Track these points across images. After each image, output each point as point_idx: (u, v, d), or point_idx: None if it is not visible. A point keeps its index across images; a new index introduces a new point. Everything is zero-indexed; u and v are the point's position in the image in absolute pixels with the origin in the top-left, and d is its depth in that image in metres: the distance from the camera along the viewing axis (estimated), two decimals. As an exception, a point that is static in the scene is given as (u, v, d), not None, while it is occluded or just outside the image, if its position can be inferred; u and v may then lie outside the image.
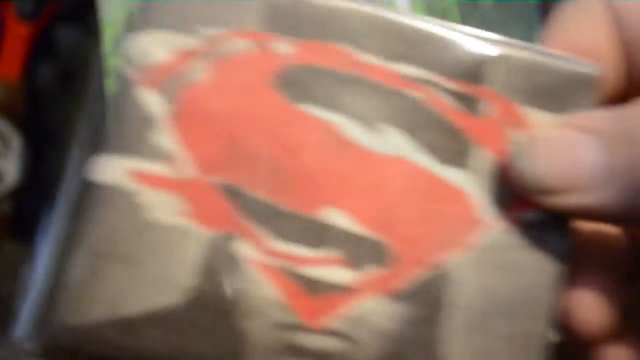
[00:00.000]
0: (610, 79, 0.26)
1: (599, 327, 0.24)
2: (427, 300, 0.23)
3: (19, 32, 0.66)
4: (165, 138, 0.23)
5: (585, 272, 0.25)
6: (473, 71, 0.24)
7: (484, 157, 0.24)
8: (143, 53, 0.23)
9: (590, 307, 0.24)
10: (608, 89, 0.26)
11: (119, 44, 0.24)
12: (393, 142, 0.24)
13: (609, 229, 0.26)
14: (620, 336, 0.25)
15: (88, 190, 0.22)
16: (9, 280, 0.58)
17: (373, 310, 0.23)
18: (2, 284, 0.57)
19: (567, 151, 0.23)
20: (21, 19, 0.67)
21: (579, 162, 0.22)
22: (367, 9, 0.24)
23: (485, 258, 0.24)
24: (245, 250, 0.23)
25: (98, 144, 0.22)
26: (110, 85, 0.23)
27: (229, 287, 0.23)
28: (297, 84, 0.23)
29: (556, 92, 0.25)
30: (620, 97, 0.26)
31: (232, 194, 0.23)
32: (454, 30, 0.24)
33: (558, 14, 0.26)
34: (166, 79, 0.23)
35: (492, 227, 0.24)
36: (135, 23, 0.23)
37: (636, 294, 0.26)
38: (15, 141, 0.66)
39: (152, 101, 0.23)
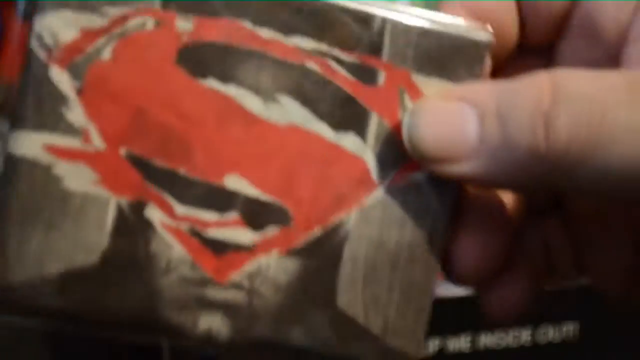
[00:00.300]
0: (507, 38, 0.28)
1: (479, 274, 0.27)
2: (321, 255, 0.26)
3: (19, 33, 0.67)
4: (76, 114, 0.24)
5: (467, 222, 0.27)
6: (369, 42, 0.25)
7: (379, 125, 0.26)
8: (52, 33, 0.24)
9: (470, 252, 0.27)
10: (504, 48, 0.28)
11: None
12: (289, 112, 0.25)
13: None
14: (505, 279, 0.28)
15: (9, 163, 0.24)
16: None
17: (271, 265, 0.25)
18: None
19: (448, 122, 0.25)
20: (23, 19, 0.67)
21: (457, 133, 0.24)
22: None
23: (374, 215, 0.26)
24: (154, 214, 0.25)
25: (17, 121, 0.24)
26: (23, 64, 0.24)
27: (142, 248, 0.25)
28: (197, 59, 0.24)
29: (447, 60, 0.26)
30: (513, 53, 0.29)
31: (139, 164, 0.24)
32: (350, 1, 0.25)
33: None
34: (75, 58, 0.24)
35: (382, 187, 0.26)
36: (44, 4, 0.24)
37: (523, 239, 0.29)
38: None
39: (62, 79, 0.24)
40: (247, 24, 0.25)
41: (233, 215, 0.25)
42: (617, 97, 0.23)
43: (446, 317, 0.46)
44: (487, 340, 0.49)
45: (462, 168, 0.24)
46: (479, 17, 0.27)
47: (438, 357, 0.47)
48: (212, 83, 0.25)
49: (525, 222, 0.29)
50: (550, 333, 0.50)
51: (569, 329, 0.50)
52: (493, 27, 0.27)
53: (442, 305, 0.45)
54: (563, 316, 0.50)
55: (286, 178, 0.25)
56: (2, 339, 0.47)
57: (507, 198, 0.28)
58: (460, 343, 0.48)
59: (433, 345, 0.47)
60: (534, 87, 0.23)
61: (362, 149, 0.26)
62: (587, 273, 0.30)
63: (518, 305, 0.28)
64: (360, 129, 0.26)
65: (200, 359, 0.44)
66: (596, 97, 0.23)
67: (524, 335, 0.49)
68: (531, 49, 0.29)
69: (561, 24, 0.28)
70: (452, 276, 0.27)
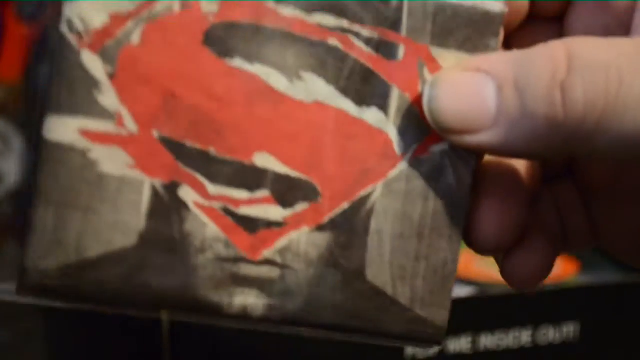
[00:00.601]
0: (518, 8, 0.28)
1: (500, 242, 0.28)
2: (349, 229, 0.26)
3: (19, 33, 0.67)
4: (109, 98, 0.25)
5: (487, 192, 0.28)
6: (388, 18, 0.26)
7: (401, 98, 0.26)
8: (83, 19, 0.24)
9: (491, 222, 0.27)
10: (516, 17, 0.29)
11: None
12: (314, 89, 0.26)
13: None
14: (525, 246, 0.29)
15: (45, 149, 0.24)
16: (10, 280, 0.58)
17: (302, 241, 0.26)
18: (2, 284, 0.57)
19: (467, 93, 0.25)
20: (21, 20, 0.67)
21: (476, 104, 0.25)
22: None
23: (398, 187, 0.27)
24: (188, 195, 0.25)
25: (51, 106, 0.24)
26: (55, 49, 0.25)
27: (177, 228, 0.25)
28: (223, 40, 0.25)
29: (463, 32, 0.27)
30: (526, 20, 0.29)
31: (171, 145, 0.25)
32: None
33: None
34: (105, 43, 0.24)
35: (405, 160, 0.27)
36: None
37: (539, 207, 0.30)
38: (16, 142, 0.67)
39: (94, 64, 0.24)
40: (270, 3, 0.25)
41: (263, 193, 0.26)
42: (633, 64, 0.23)
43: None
44: (487, 341, 0.49)
45: (481, 138, 0.25)
46: None
47: (439, 358, 0.47)
48: (238, 63, 0.25)
49: (539, 189, 0.30)
50: (550, 334, 0.50)
51: (570, 329, 0.51)
52: None
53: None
54: (563, 317, 0.50)
55: (313, 154, 0.26)
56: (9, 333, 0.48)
57: (521, 165, 0.29)
58: (460, 344, 0.48)
59: (432, 346, 0.47)
60: (550, 56, 0.24)
61: (385, 123, 0.26)
62: (600, 238, 0.31)
63: (538, 272, 0.29)
64: (382, 103, 0.26)
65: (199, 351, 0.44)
66: (611, 65, 0.23)
67: (525, 336, 0.50)
68: (542, 17, 0.29)
69: None
70: (473, 245, 0.28)
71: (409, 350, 0.47)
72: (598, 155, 0.24)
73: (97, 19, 0.24)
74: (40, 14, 0.67)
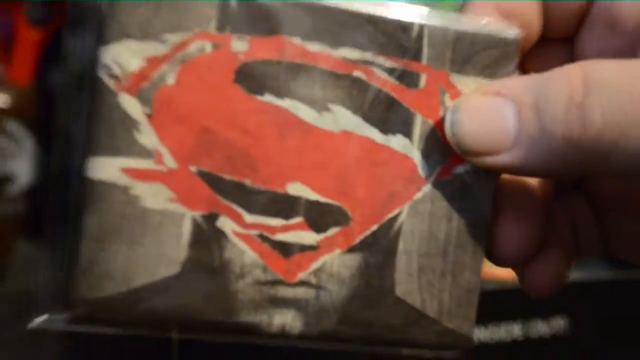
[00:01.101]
0: (531, 32, 0.29)
1: (520, 255, 0.29)
2: (379, 249, 0.27)
3: (30, 37, 0.67)
4: (148, 137, 0.25)
5: (505, 210, 0.29)
6: (408, 47, 0.27)
7: (424, 124, 0.27)
8: (119, 63, 0.25)
9: (510, 238, 0.28)
10: (529, 40, 0.29)
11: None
12: (341, 119, 0.27)
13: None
14: (542, 258, 0.30)
15: (89, 188, 0.25)
16: (23, 277, 0.58)
17: (334, 262, 0.27)
18: (17, 280, 0.58)
19: (487, 117, 0.26)
20: (32, 24, 0.67)
21: (497, 126, 0.26)
22: (308, 0, 0.26)
23: (424, 209, 0.27)
24: (226, 224, 0.26)
25: (92, 148, 0.25)
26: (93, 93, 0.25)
27: (217, 256, 0.26)
28: (253, 77, 0.26)
29: (481, 59, 0.27)
30: (538, 43, 0.30)
31: (209, 179, 0.26)
32: (388, 10, 0.27)
33: None
34: (142, 85, 0.25)
35: (429, 182, 0.28)
36: (109, 35, 0.25)
37: (553, 221, 0.31)
38: (28, 143, 0.67)
39: (132, 106, 0.25)
40: (297, 40, 0.26)
41: (297, 220, 0.27)
42: None
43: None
44: (480, 334, 0.49)
45: (503, 159, 0.26)
46: (506, 13, 0.28)
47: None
48: (269, 98, 0.26)
49: (553, 203, 0.31)
50: (540, 328, 0.51)
51: (559, 323, 0.51)
52: (519, 22, 0.28)
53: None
54: (553, 311, 0.51)
55: (343, 181, 0.27)
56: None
57: (534, 182, 0.30)
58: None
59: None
60: (566, 79, 0.24)
61: (410, 149, 0.27)
62: (611, 246, 0.31)
63: (555, 281, 0.30)
64: (406, 130, 0.27)
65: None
66: (625, 86, 0.24)
67: (516, 330, 0.50)
68: (553, 40, 0.30)
69: (581, 17, 0.29)
70: (495, 259, 0.29)
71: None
72: (614, 174, 0.25)
73: (134, 63, 0.25)
74: (49, 19, 0.66)
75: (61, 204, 0.26)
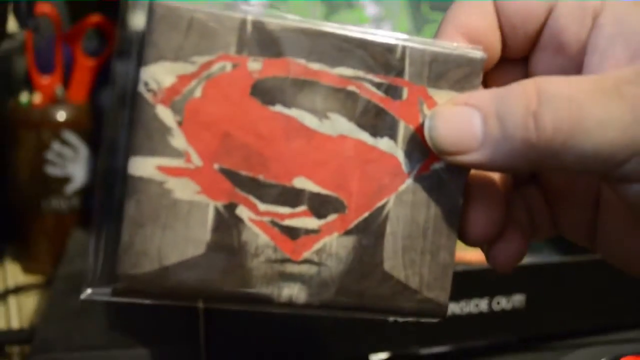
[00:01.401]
0: (492, 53, 0.29)
1: (486, 236, 0.29)
2: (370, 232, 0.27)
3: (85, 65, 0.67)
4: (179, 141, 0.26)
5: (474, 199, 0.29)
6: (393, 66, 0.27)
7: (406, 129, 0.27)
8: (156, 80, 0.25)
9: (478, 222, 0.28)
10: (490, 61, 0.29)
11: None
12: (338, 125, 0.27)
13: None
14: (504, 237, 0.29)
15: (130, 182, 0.25)
16: (79, 259, 0.58)
17: (333, 244, 0.27)
18: (74, 262, 0.57)
19: (458, 123, 0.26)
20: (87, 54, 0.67)
21: (466, 131, 0.26)
22: (312, 27, 0.26)
23: (406, 198, 0.28)
24: (243, 212, 0.26)
25: (133, 149, 0.25)
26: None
27: (236, 239, 0.26)
28: (266, 91, 0.26)
29: (453, 75, 0.27)
30: (498, 62, 0.30)
31: (229, 174, 0.26)
32: (375, 35, 0.27)
33: (451, 10, 0.29)
34: (174, 98, 0.25)
35: (411, 177, 0.28)
36: (147, 58, 0.25)
37: (512, 208, 0.30)
38: (83, 151, 0.66)
39: (167, 115, 0.25)
40: (302, 61, 0.26)
41: (302, 208, 0.27)
42: (590, 97, 0.24)
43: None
44: (453, 308, 0.49)
45: (472, 158, 0.26)
46: (472, 38, 0.28)
47: (414, 324, 0.47)
48: (279, 108, 0.26)
49: (512, 193, 0.31)
50: (503, 303, 0.51)
51: (518, 299, 0.51)
52: (483, 45, 0.28)
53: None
54: (513, 289, 0.51)
55: (340, 176, 0.27)
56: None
57: (497, 176, 0.30)
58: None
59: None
60: (523, 91, 0.24)
61: (395, 149, 0.27)
62: (560, 229, 0.32)
63: (515, 257, 0.30)
64: (392, 133, 0.27)
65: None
66: (573, 98, 0.24)
67: (482, 304, 0.50)
68: (510, 60, 0.30)
69: (534, 41, 0.29)
70: (466, 239, 0.29)
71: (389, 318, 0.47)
72: (562, 169, 0.25)
73: (167, 80, 0.25)
74: (101, 51, 0.67)
75: (105, 198, 0.27)
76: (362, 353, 0.48)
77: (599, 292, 0.54)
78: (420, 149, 0.27)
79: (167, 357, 0.44)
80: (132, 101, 0.26)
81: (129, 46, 0.26)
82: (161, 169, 0.25)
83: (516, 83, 0.25)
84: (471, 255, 0.55)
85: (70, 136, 0.65)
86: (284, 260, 0.27)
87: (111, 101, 0.27)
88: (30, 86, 0.66)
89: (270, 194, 0.26)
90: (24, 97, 0.65)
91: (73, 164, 0.66)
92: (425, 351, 0.50)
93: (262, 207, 0.26)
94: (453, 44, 0.28)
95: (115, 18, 0.65)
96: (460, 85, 0.28)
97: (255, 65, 0.26)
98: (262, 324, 0.45)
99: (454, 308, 0.49)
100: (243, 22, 0.25)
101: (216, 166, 0.26)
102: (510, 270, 0.30)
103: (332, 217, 0.27)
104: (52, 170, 0.65)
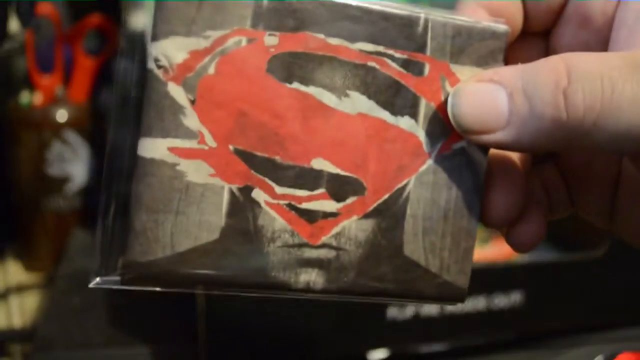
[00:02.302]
0: (514, 27, 0.28)
1: (508, 217, 0.27)
2: (389, 215, 0.26)
3: (86, 65, 0.66)
4: (192, 121, 0.24)
5: (494, 180, 0.27)
6: (416, 42, 0.25)
7: (427, 107, 0.26)
8: (167, 56, 0.23)
9: (499, 203, 0.27)
10: (512, 35, 0.28)
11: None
12: (358, 103, 0.25)
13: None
14: (525, 218, 0.28)
15: (141, 165, 0.23)
16: (80, 258, 0.58)
17: (352, 227, 0.25)
18: (74, 261, 0.57)
19: (483, 100, 0.24)
20: (87, 54, 0.66)
21: (491, 108, 0.24)
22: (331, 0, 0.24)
23: (427, 179, 0.26)
24: (259, 195, 0.24)
25: (144, 130, 0.23)
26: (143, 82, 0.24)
27: (251, 223, 0.24)
28: (282, 67, 0.24)
29: (476, 50, 0.26)
30: (519, 36, 0.28)
31: (244, 156, 0.24)
32: (398, 9, 0.25)
33: None
34: (187, 75, 0.23)
35: (432, 157, 0.26)
36: (158, 32, 0.23)
37: (531, 187, 0.29)
38: (83, 150, 0.66)
39: (179, 93, 0.23)
40: (320, 36, 0.24)
41: (320, 191, 0.25)
42: (622, 74, 0.22)
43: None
44: (452, 306, 0.48)
45: (497, 137, 0.24)
46: (492, 10, 0.27)
47: (413, 321, 0.47)
48: (296, 85, 0.24)
49: (530, 172, 0.29)
50: (501, 300, 0.50)
51: (516, 297, 0.50)
52: (505, 19, 0.27)
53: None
54: (511, 287, 0.50)
55: (359, 156, 0.25)
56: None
57: (515, 155, 0.28)
58: (430, 309, 0.48)
59: (409, 311, 0.46)
60: (552, 68, 0.23)
61: (415, 128, 0.26)
62: (577, 207, 0.30)
63: (536, 238, 0.28)
64: (413, 112, 0.25)
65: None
66: (604, 75, 0.22)
67: (480, 302, 0.49)
68: (531, 34, 0.29)
69: (557, 15, 0.28)
70: (488, 221, 0.27)
71: (390, 313, 0.46)
72: (591, 149, 0.24)
73: (179, 56, 0.23)
74: (101, 50, 0.66)
75: (113, 182, 0.25)
76: (360, 350, 0.47)
77: (597, 290, 0.53)
78: (442, 127, 0.26)
79: (167, 356, 0.44)
80: (142, 79, 0.24)
81: (130, 47, 0.24)
82: (173, 150, 0.23)
83: (543, 59, 0.24)
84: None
85: (71, 136, 0.63)
86: (302, 245, 0.25)
87: (112, 99, 0.25)
88: (30, 86, 0.64)
89: (287, 176, 0.25)
90: (24, 97, 0.64)
91: (73, 164, 0.64)
92: (423, 348, 0.49)
93: (279, 189, 0.24)
94: (475, 18, 0.26)
95: (115, 18, 0.64)
96: (484, 60, 0.26)
97: (271, 40, 0.24)
98: (261, 321, 0.44)
99: (453, 307, 0.48)
100: None
101: (231, 147, 0.24)
102: (530, 251, 0.28)
103: (351, 200, 0.25)
104: (53, 170, 0.63)
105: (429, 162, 0.26)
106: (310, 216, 0.25)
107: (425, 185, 0.26)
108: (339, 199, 0.25)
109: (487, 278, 0.49)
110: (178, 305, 0.45)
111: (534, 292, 0.51)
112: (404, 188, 0.26)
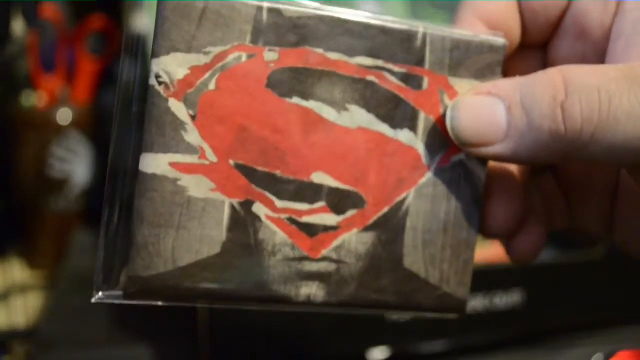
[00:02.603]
0: (512, 40, 0.27)
1: (507, 229, 0.27)
2: (389, 228, 0.26)
3: (88, 66, 0.66)
4: (193, 136, 0.24)
5: (493, 191, 0.27)
6: (414, 56, 0.25)
7: (426, 120, 0.25)
8: (168, 72, 0.23)
9: (499, 215, 0.27)
10: (510, 47, 0.27)
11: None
12: (358, 118, 0.25)
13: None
14: (524, 229, 0.28)
15: (144, 180, 0.23)
16: (82, 258, 0.57)
17: (352, 240, 0.25)
18: (73, 262, 0.57)
19: (482, 113, 0.24)
20: (90, 55, 0.66)
21: (490, 121, 0.24)
22: (331, 15, 0.24)
23: (427, 192, 0.26)
24: (260, 210, 0.24)
25: (145, 146, 0.23)
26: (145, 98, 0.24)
27: (252, 237, 0.24)
28: (282, 82, 0.24)
29: (474, 63, 0.26)
30: (517, 48, 0.28)
31: (245, 170, 0.24)
32: (397, 24, 0.25)
33: None
34: (187, 91, 0.23)
35: (431, 169, 0.26)
36: (158, 49, 0.23)
37: (530, 199, 0.29)
38: (85, 151, 0.66)
39: (180, 109, 0.23)
40: (320, 51, 0.24)
41: (321, 204, 0.25)
42: (619, 87, 0.22)
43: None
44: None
45: (495, 149, 0.24)
46: (489, 23, 0.27)
47: (412, 322, 0.46)
48: (296, 100, 0.24)
49: (529, 183, 0.29)
50: (501, 300, 0.50)
51: (517, 297, 0.50)
52: (503, 32, 0.26)
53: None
54: (512, 287, 0.50)
55: (359, 170, 0.25)
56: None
57: (514, 167, 0.28)
58: (430, 309, 0.47)
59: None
60: (550, 81, 0.23)
61: (415, 141, 0.25)
62: (576, 219, 0.30)
63: (537, 249, 0.28)
64: (412, 125, 0.25)
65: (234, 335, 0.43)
66: (602, 87, 0.22)
67: (480, 302, 0.49)
68: (529, 47, 0.28)
69: (555, 27, 0.28)
70: (487, 233, 0.27)
71: (391, 315, 0.46)
72: (591, 161, 0.23)
73: (180, 72, 0.23)
74: (104, 51, 0.65)
75: (114, 197, 0.25)
76: (359, 350, 0.47)
77: (597, 290, 0.53)
78: (441, 140, 0.26)
79: (169, 355, 0.44)
80: (143, 95, 0.24)
81: (133, 48, 0.24)
82: (175, 165, 0.23)
83: (541, 72, 0.23)
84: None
85: (73, 137, 0.63)
86: (302, 259, 0.25)
87: (115, 101, 0.24)
88: (33, 87, 0.64)
89: (287, 190, 0.24)
90: (27, 98, 0.64)
91: (76, 165, 0.64)
92: (423, 348, 0.48)
93: (280, 204, 0.24)
94: (473, 32, 0.26)
95: (118, 19, 0.64)
96: (482, 73, 0.26)
97: (271, 56, 0.24)
98: (261, 320, 0.44)
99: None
100: (259, 10, 0.23)
101: (231, 162, 0.24)
102: (530, 262, 0.28)
103: (351, 213, 0.25)
104: (55, 171, 0.63)
105: (429, 174, 0.26)
106: (310, 230, 0.25)
107: (424, 198, 0.26)
108: (339, 212, 0.25)
109: (487, 278, 0.49)
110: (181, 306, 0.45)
111: (534, 292, 0.50)
112: (403, 201, 0.26)
